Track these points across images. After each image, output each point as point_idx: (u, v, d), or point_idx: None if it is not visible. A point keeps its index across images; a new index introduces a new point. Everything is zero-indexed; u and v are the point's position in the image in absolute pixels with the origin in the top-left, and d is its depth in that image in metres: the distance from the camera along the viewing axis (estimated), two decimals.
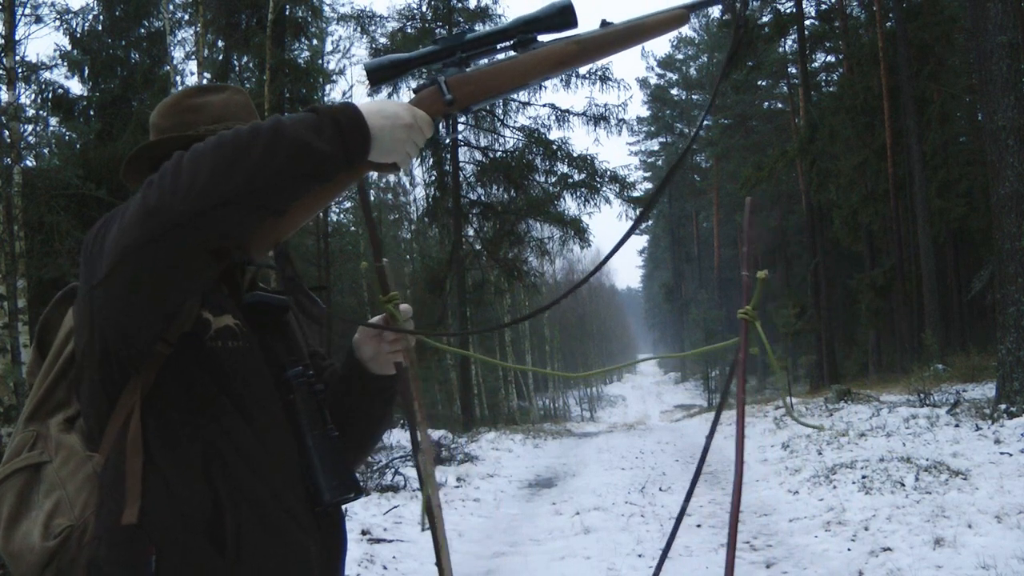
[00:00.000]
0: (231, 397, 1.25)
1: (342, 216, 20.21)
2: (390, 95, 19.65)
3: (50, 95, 13.80)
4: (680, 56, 50.86)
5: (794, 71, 29.66)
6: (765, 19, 25.17)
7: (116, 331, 1.17)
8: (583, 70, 18.71)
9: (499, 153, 19.30)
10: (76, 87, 17.44)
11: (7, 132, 9.17)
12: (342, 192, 1.28)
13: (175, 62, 16.34)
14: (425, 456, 1.36)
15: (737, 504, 1.42)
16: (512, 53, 1.34)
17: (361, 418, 1.47)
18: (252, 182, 1.08)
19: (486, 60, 1.35)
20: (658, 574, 1.53)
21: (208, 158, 1.08)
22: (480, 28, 1.37)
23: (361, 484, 1.38)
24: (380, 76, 1.32)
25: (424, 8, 18.89)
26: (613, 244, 1.45)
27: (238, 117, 1.41)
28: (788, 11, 24.97)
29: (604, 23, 1.36)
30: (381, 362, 1.45)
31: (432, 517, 1.33)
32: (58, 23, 14.09)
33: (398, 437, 12.38)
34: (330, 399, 1.41)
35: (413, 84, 1.35)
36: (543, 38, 1.33)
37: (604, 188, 19.06)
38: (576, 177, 18.98)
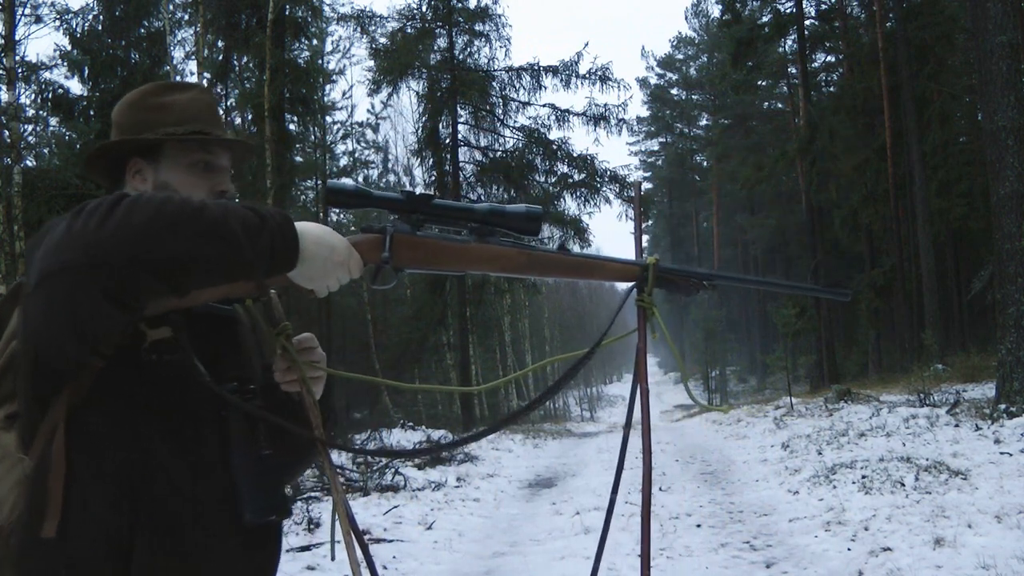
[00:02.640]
0: (161, 412, 1.22)
1: (342, 216, 20.21)
2: (391, 95, 19.64)
3: (50, 95, 13.79)
4: (680, 56, 50.86)
5: (794, 71, 29.65)
6: (765, 19, 25.19)
7: (44, 343, 1.14)
8: (583, 69, 18.74)
9: (499, 153, 19.29)
10: (76, 87, 17.38)
11: (7, 132, 9.18)
12: (238, 292, 1.25)
13: (175, 62, 16.36)
14: (335, 491, 1.33)
15: (648, 494, 1.44)
16: (466, 236, 1.35)
17: (288, 441, 1.41)
18: (176, 255, 1.06)
19: (440, 229, 1.36)
20: (597, 568, 1.51)
21: (147, 213, 1.05)
22: (451, 201, 1.38)
23: (288, 505, 1.35)
24: (339, 201, 1.32)
25: (424, 8, 18.88)
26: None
27: (203, 119, 1.37)
28: (788, 11, 24.98)
29: (561, 247, 1.40)
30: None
31: (355, 545, 1.31)
32: (58, 23, 14.09)
33: (398, 437, 12.38)
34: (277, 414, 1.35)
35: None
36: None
37: (604, 188, 19.05)
38: (576, 177, 18.96)
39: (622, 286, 1.45)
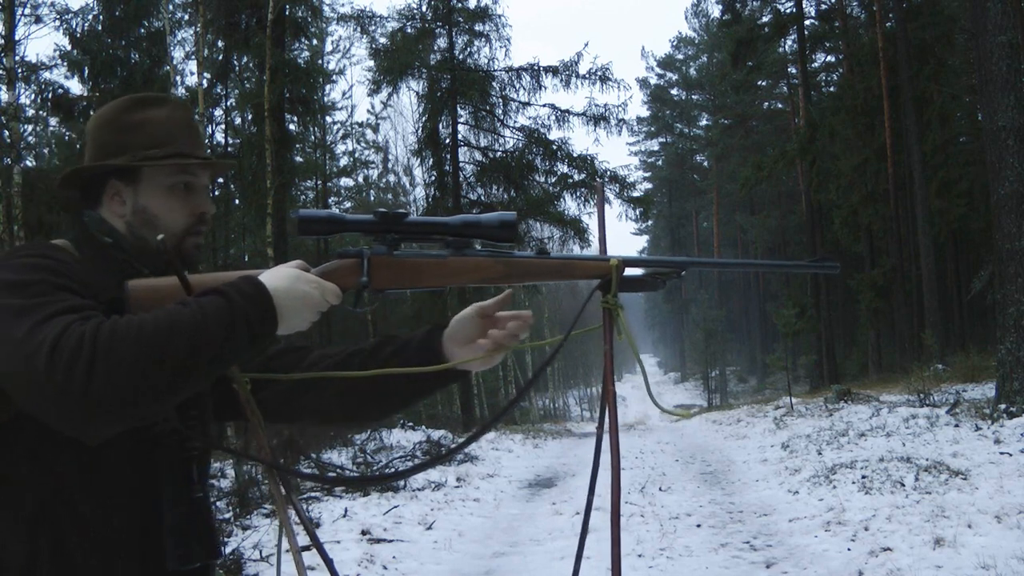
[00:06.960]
0: (81, 450, 1.14)
1: None
2: (391, 95, 19.64)
3: (50, 95, 13.80)
4: (680, 56, 50.89)
5: (794, 71, 29.66)
6: (765, 19, 25.21)
7: None
8: (583, 69, 18.75)
9: (499, 153, 19.29)
10: (76, 87, 17.41)
11: (7, 132, 9.18)
12: None
13: (175, 62, 16.39)
14: (281, 514, 1.32)
15: (617, 503, 1.39)
16: (442, 252, 1.35)
17: (407, 386, 1.43)
18: (156, 399, 1.03)
19: (417, 246, 1.36)
20: (578, 569, 1.49)
21: (126, 365, 0.99)
22: (423, 216, 1.39)
23: (219, 547, 1.30)
24: (312, 229, 1.30)
25: (424, 8, 18.88)
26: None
27: (181, 139, 1.32)
28: (788, 11, 25.00)
29: (540, 251, 1.40)
30: (472, 349, 1.41)
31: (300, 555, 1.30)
32: (58, 23, 14.12)
33: (398, 437, 12.37)
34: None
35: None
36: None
37: (604, 188, 19.06)
38: (576, 177, 18.97)
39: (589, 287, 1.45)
